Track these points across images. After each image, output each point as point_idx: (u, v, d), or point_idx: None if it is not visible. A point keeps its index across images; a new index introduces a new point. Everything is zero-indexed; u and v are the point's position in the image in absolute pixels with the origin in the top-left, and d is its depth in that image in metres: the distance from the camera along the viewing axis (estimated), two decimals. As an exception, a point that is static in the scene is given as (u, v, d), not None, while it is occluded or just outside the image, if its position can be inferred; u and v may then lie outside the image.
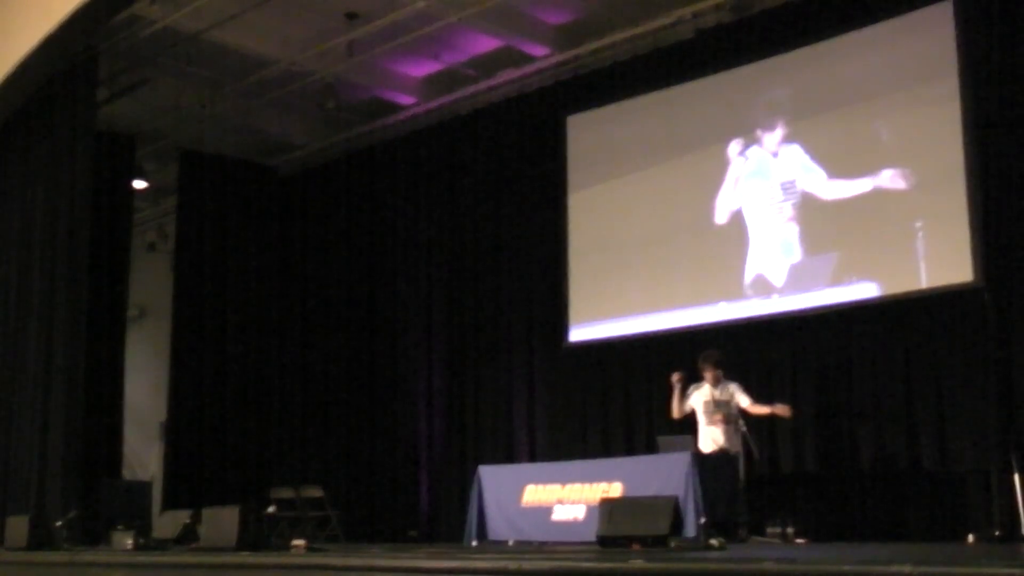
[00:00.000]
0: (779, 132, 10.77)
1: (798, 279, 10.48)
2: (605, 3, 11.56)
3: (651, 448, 10.43)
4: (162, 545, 8.88)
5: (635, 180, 11.81)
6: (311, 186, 15.18)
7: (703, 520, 8.65)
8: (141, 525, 10.16)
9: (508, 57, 12.61)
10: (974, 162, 9.42)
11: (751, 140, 10.93)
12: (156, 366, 15.00)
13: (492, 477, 10.49)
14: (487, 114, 13.26)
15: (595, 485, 9.56)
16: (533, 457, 12.13)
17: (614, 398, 11.72)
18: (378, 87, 13.54)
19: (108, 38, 11.93)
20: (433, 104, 13.55)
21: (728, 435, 9.35)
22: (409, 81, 13.48)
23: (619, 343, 11.69)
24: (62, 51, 11.56)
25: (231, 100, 13.55)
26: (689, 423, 10.73)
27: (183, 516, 9.11)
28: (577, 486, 9.74)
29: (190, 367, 14.41)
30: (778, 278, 10.62)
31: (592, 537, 7.55)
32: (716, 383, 9.50)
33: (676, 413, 9.66)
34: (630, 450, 11.15)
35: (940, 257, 9.59)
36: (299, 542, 7.85)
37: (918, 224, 9.78)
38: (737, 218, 10.94)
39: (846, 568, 4.14)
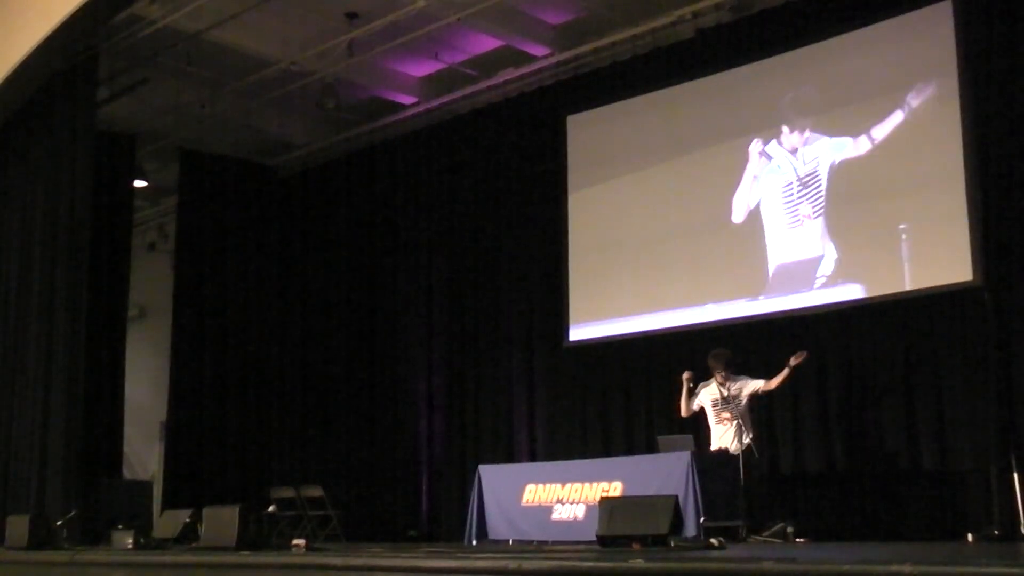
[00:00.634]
0: (784, 131, 10.77)
1: (796, 279, 10.48)
2: (605, 3, 11.56)
3: (651, 448, 10.43)
4: (162, 545, 8.88)
5: (635, 180, 11.81)
6: (311, 186, 15.18)
7: (703, 520, 8.66)
8: (141, 525, 10.17)
9: (508, 57, 12.62)
10: (974, 162, 9.42)
11: (762, 137, 10.89)
12: (156, 366, 14.99)
13: (492, 477, 10.49)
14: (487, 114, 13.27)
15: (595, 485, 9.57)
16: (533, 457, 12.13)
17: (614, 398, 11.72)
18: (378, 87, 13.54)
19: (108, 38, 11.93)
20: (433, 104, 13.55)
21: (737, 433, 9.28)
22: (409, 81, 13.48)
23: (619, 343, 11.69)
24: (62, 51, 11.56)
25: (231, 100, 13.55)
26: (690, 423, 10.75)
27: (183, 516, 9.10)
28: (577, 486, 9.74)
29: (190, 367, 14.42)
30: (776, 278, 10.62)
31: (592, 537, 7.54)
32: (724, 381, 9.48)
33: (684, 412, 9.67)
34: (630, 450, 11.15)
35: (940, 257, 9.59)
36: (299, 542, 7.84)
37: (918, 224, 9.78)
38: (746, 217, 10.94)
39: (846, 568, 4.14)
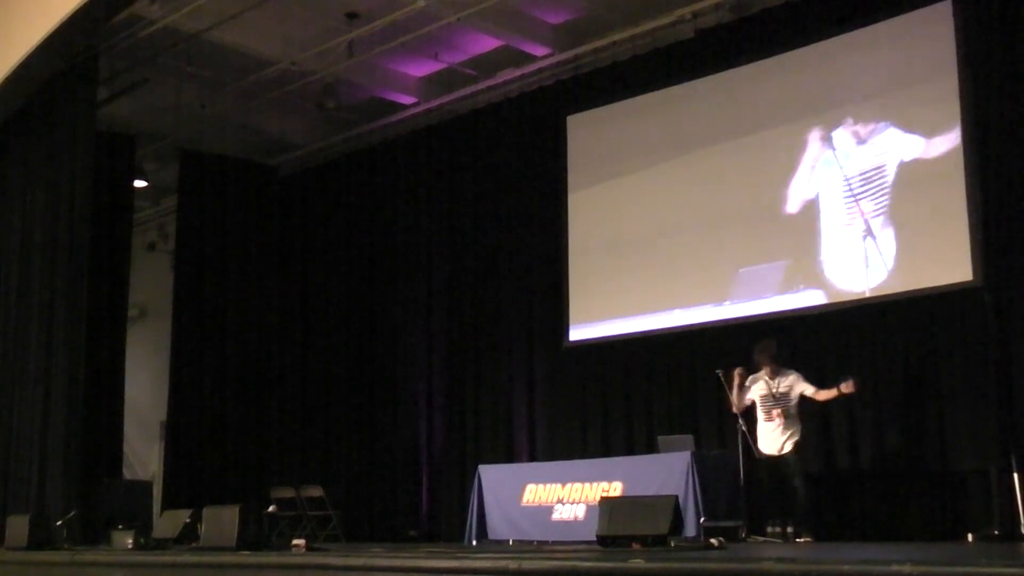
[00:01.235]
0: (785, 131, 10.78)
1: (792, 279, 10.49)
2: (605, 3, 11.56)
3: (651, 448, 10.44)
4: (162, 545, 8.88)
5: (635, 180, 11.81)
6: (311, 186, 15.18)
7: (703, 520, 8.66)
8: (141, 525, 10.16)
9: (508, 57, 12.62)
10: (974, 162, 9.42)
11: (799, 132, 10.82)
12: (156, 366, 15.00)
13: (492, 476, 10.50)
14: (487, 114, 13.27)
15: (595, 485, 9.58)
16: (533, 457, 12.13)
17: (614, 398, 11.72)
18: (378, 87, 13.54)
19: (108, 38, 11.92)
20: (433, 104, 13.55)
21: (787, 431, 9.12)
22: (409, 81, 13.48)
23: (619, 343, 11.69)
24: (62, 51, 11.57)
25: (231, 100, 13.54)
26: (690, 423, 10.76)
27: (183, 516, 9.11)
28: (577, 486, 9.76)
29: (190, 367, 14.42)
30: (772, 278, 10.63)
31: (592, 537, 7.55)
32: (774, 375, 9.25)
33: (736, 407, 9.34)
34: (630, 450, 11.15)
35: (940, 257, 9.59)
36: (299, 542, 7.85)
37: (918, 224, 9.78)
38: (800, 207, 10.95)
39: (846, 568, 4.15)
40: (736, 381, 9.34)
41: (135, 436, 14.89)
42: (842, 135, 10.37)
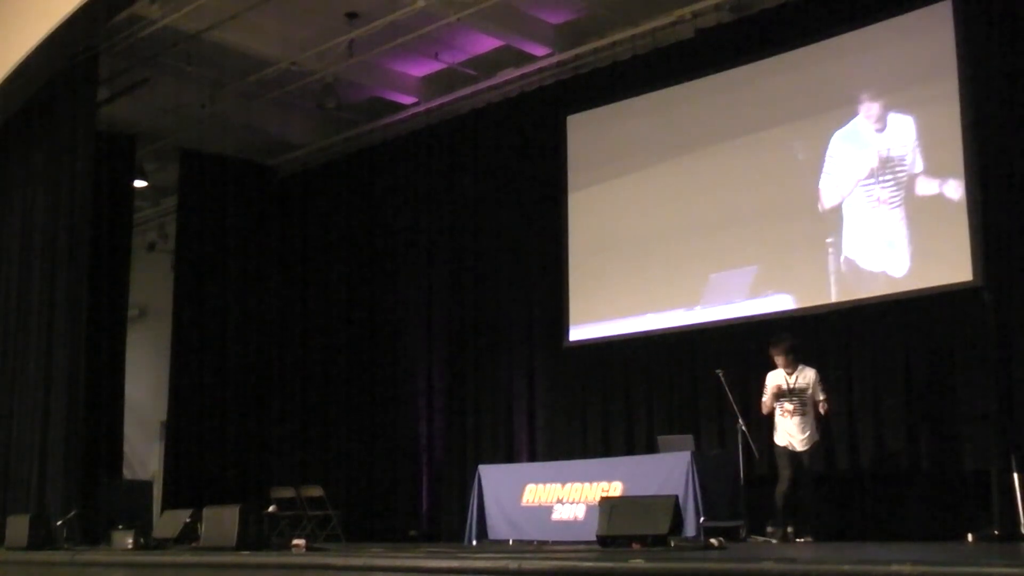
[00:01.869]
0: (785, 130, 10.78)
1: (791, 279, 10.49)
2: (605, 3, 11.56)
3: (651, 448, 10.44)
4: (162, 545, 8.89)
5: (635, 180, 11.81)
6: (311, 186, 15.19)
7: (703, 520, 8.66)
8: (141, 525, 10.17)
9: (508, 57, 12.62)
10: (974, 162, 9.42)
11: (800, 132, 10.85)
12: (156, 366, 15.00)
13: (492, 477, 10.51)
14: (487, 114, 13.27)
15: (595, 485, 9.58)
16: (533, 457, 12.13)
17: (614, 398, 11.72)
18: (378, 87, 13.55)
19: (108, 38, 11.92)
20: (433, 104, 13.55)
21: (803, 427, 9.04)
22: (409, 81, 13.48)
23: (619, 343, 11.69)
24: (62, 51, 11.56)
25: (231, 100, 13.55)
26: (690, 423, 10.76)
27: (183, 516, 9.11)
28: (577, 486, 9.76)
29: (190, 367, 14.42)
30: (766, 279, 10.63)
31: (592, 537, 7.55)
32: (791, 370, 9.16)
33: (764, 408, 9.26)
34: (630, 450, 11.15)
35: (940, 257, 9.59)
36: (299, 542, 7.86)
37: (918, 224, 9.78)
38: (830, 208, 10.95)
39: (846, 568, 4.15)
40: (771, 390, 9.19)
41: (135, 436, 14.89)
42: (842, 135, 10.37)
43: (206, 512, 8.29)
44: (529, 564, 5.10)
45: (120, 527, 9.65)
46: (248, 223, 15.06)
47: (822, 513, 9.60)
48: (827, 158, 10.42)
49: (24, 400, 12.00)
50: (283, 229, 15.32)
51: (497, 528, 10.21)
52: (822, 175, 10.43)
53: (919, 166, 9.82)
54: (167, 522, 9.41)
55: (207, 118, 13.67)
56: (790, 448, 9.05)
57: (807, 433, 9.06)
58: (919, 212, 9.78)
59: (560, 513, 9.79)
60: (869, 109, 10.20)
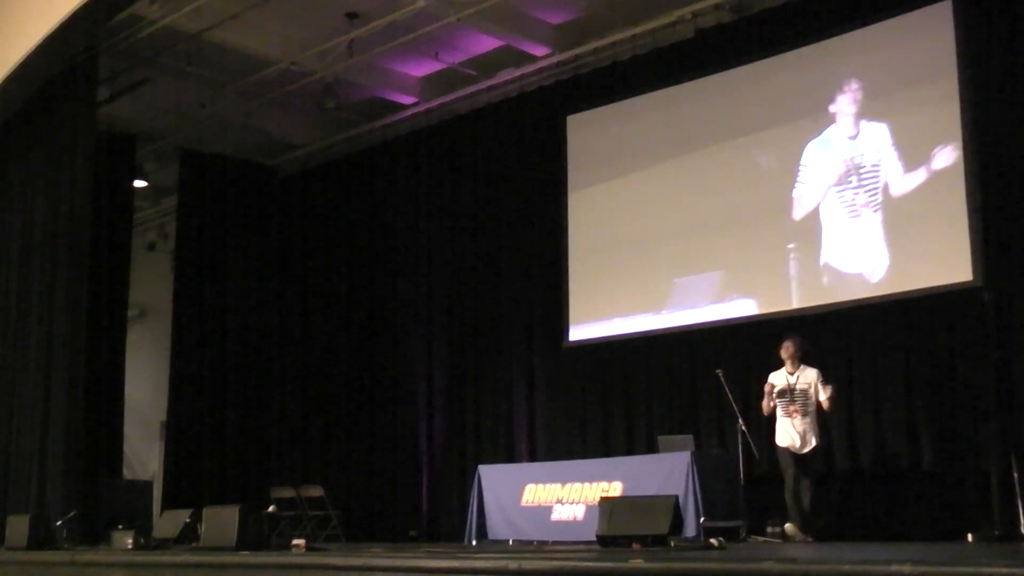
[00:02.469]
0: (787, 130, 10.78)
1: (790, 279, 10.49)
2: (605, 3, 11.57)
3: (651, 448, 10.44)
4: (162, 545, 8.89)
5: (635, 180, 11.81)
6: (311, 186, 15.18)
7: (703, 520, 8.66)
8: (141, 525, 10.17)
9: (508, 57, 12.62)
10: (974, 162, 9.42)
11: (800, 131, 10.84)
12: (156, 366, 15.01)
13: (492, 477, 10.50)
14: (487, 114, 13.27)
15: (595, 485, 9.57)
16: (533, 457, 12.12)
17: (614, 398, 11.72)
18: (378, 87, 13.55)
19: (108, 38, 11.92)
20: (433, 104, 13.56)
21: (804, 428, 9.02)
22: (409, 81, 13.49)
23: (619, 343, 11.69)
24: (62, 51, 11.56)
25: (231, 100, 13.55)
26: (690, 423, 10.75)
27: (183, 516, 9.11)
28: (577, 486, 9.75)
29: (190, 367, 14.42)
30: (764, 279, 10.63)
31: (592, 537, 7.55)
32: (794, 370, 9.16)
33: (764, 409, 9.25)
34: (630, 450, 11.15)
35: (940, 257, 9.58)
36: (299, 542, 7.85)
37: (918, 224, 9.78)
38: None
39: (846, 568, 4.14)
40: (766, 389, 9.19)
41: (135, 436, 14.89)
42: (843, 135, 10.37)
43: (206, 512, 8.29)
44: (529, 564, 5.10)
45: (120, 527, 9.66)
46: (248, 223, 15.06)
47: (822, 513, 9.61)
48: (830, 156, 10.41)
49: (24, 400, 12.00)
50: (283, 229, 15.32)
51: (497, 528, 10.21)
52: (824, 174, 10.42)
53: (919, 166, 9.82)
54: (167, 522, 9.41)
55: (207, 118, 13.68)
56: (791, 448, 9.05)
57: (808, 434, 9.06)
58: (919, 212, 9.78)
59: (560, 513, 9.78)
60: (868, 109, 10.19)
